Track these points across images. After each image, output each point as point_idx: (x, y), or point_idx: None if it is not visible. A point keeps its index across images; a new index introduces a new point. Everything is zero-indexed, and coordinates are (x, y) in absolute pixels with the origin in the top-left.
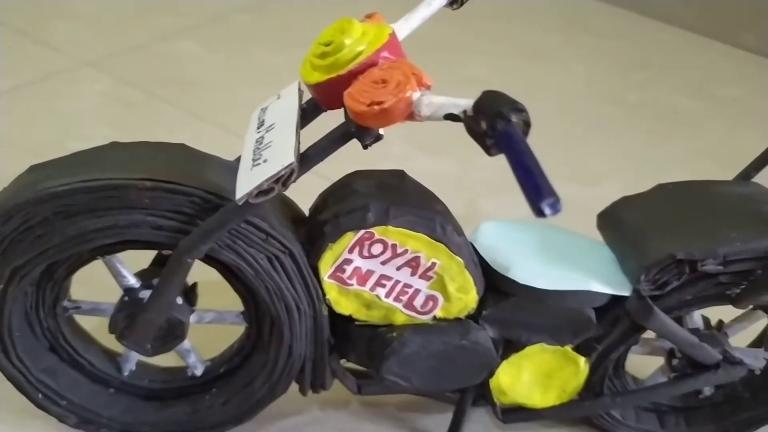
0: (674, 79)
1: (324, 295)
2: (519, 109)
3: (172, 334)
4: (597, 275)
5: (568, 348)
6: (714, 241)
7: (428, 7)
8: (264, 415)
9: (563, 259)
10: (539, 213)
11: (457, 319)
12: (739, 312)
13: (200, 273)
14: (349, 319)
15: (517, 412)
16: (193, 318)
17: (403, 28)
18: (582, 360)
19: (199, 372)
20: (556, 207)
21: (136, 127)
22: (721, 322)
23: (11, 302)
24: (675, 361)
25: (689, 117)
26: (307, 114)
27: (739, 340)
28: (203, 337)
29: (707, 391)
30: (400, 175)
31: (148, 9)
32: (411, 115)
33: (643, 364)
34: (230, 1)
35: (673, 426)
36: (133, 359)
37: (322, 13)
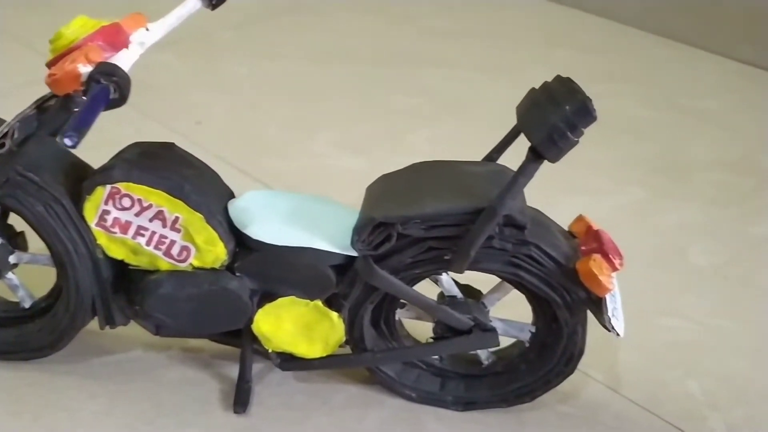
0: (643, 90)
1: (95, 240)
2: (108, 72)
3: None
4: (328, 236)
5: (319, 303)
6: (411, 207)
7: (183, 8)
8: (92, 350)
9: (302, 221)
10: (60, 138)
11: (213, 269)
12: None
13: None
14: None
15: (292, 361)
16: (13, 258)
17: (160, 25)
18: (335, 315)
19: (27, 305)
20: (72, 140)
21: None
22: (479, 292)
23: None
24: (435, 326)
25: (640, 127)
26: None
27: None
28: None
29: (485, 360)
30: (168, 146)
31: None
32: (82, 83)
33: None
34: (219, 20)
35: (452, 390)
36: None
37: (306, 30)
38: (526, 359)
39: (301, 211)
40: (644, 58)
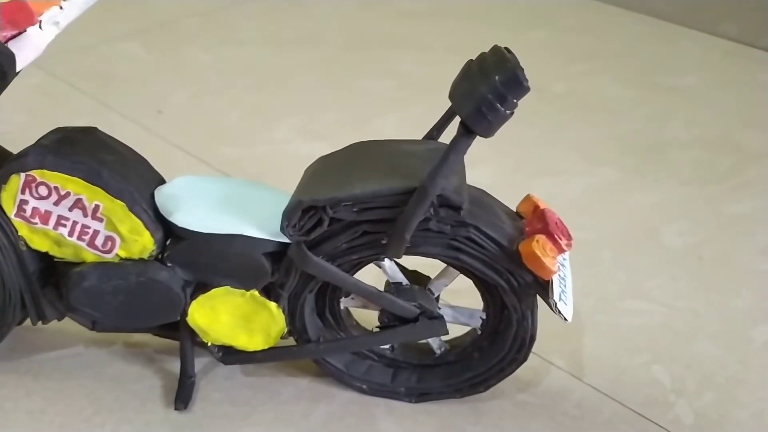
0: (622, 69)
1: (17, 231)
2: None
3: None
4: (259, 222)
5: (255, 293)
6: (340, 188)
7: None
8: (31, 347)
9: (232, 207)
10: None
11: (141, 260)
12: (440, 269)
13: None
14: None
15: (234, 354)
16: None
17: (75, 2)
18: (273, 305)
19: None
20: None
21: (48, 115)
22: (427, 278)
23: None
24: (380, 315)
25: (617, 106)
26: None
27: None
28: None
29: (438, 349)
30: (90, 131)
31: (105, 15)
32: None
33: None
34: (186, 7)
35: (404, 381)
36: None
37: (274, 15)
38: (478, 347)
39: (231, 197)
40: (624, 37)
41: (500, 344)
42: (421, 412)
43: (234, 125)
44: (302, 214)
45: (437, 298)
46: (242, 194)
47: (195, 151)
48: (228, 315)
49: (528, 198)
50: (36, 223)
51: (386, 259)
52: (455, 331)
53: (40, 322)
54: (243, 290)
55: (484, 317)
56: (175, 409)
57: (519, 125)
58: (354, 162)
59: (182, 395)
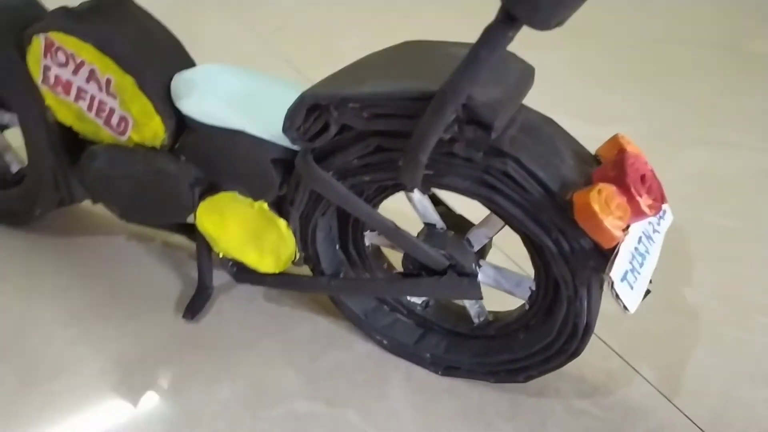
0: None
1: (44, 101)
2: None
3: None
4: (267, 123)
5: (264, 205)
6: (349, 86)
7: None
8: (79, 230)
9: (245, 103)
10: None
11: (153, 148)
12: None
13: None
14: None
15: (247, 273)
16: (7, 118)
17: None
18: (283, 223)
19: (14, 170)
20: None
21: None
22: (470, 225)
23: None
24: (403, 259)
25: None
26: None
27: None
28: None
29: (476, 318)
30: (123, 3)
31: None
32: None
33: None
34: None
35: (431, 346)
36: None
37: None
38: (525, 326)
39: (251, 92)
40: None
41: (548, 327)
42: (445, 389)
43: (349, 50)
44: (307, 115)
45: (482, 253)
46: (264, 91)
47: (305, 69)
48: (237, 226)
49: (615, 138)
50: (59, 92)
51: (416, 192)
52: (503, 301)
53: (71, 203)
54: (251, 200)
55: (534, 288)
56: (183, 317)
57: (677, 77)
58: (389, 61)
59: (193, 305)
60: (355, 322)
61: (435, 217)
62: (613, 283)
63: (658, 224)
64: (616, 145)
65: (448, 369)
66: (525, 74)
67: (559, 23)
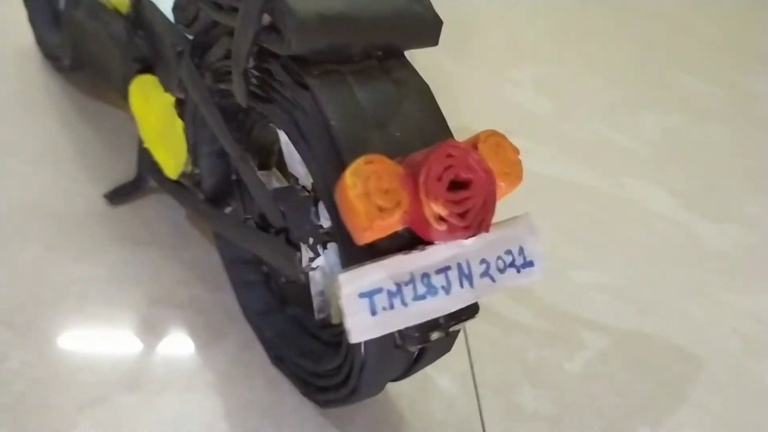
0: None
1: None
2: None
3: None
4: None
5: (171, 100)
6: None
7: None
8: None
9: None
10: None
11: (122, 15)
12: None
13: None
14: None
15: (157, 172)
16: None
17: None
18: (179, 123)
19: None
20: None
21: None
22: None
23: None
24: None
25: None
26: None
27: None
28: None
29: (317, 313)
30: None
31: None
32: None
33: None
34: None
35: (271, 324)
36: None
37: None
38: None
39: None
40: None
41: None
42: (285, 380)
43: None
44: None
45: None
46: None
47: None
48: (155, 116)
49: (484, 132)
50: None
51: (282, 132)
52: None
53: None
54: (164, 88)
55: None
56: (103, 196)
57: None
58: None
59: (117, 190)
60: (224, 264)
61: (300, 171)
62: (340, 287)
63: (503, 271)
64: (475, 140)
65: (277, 360)
66: (417, 14)
67: None
